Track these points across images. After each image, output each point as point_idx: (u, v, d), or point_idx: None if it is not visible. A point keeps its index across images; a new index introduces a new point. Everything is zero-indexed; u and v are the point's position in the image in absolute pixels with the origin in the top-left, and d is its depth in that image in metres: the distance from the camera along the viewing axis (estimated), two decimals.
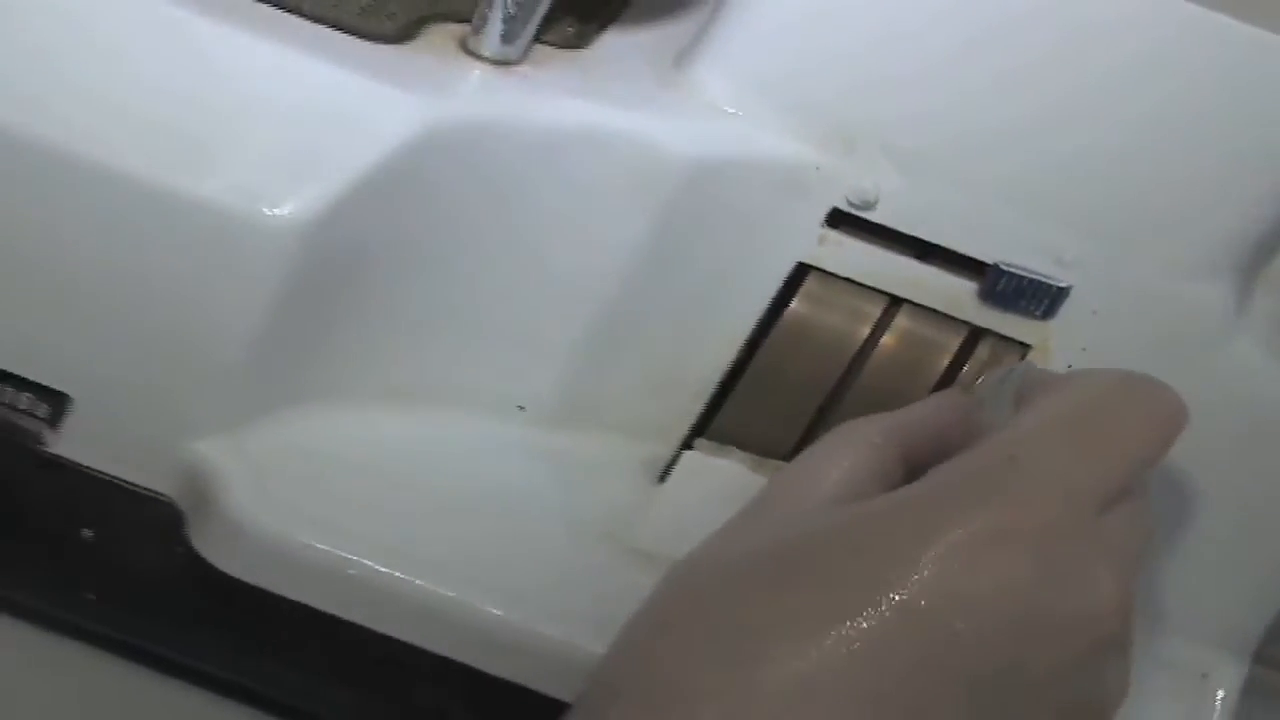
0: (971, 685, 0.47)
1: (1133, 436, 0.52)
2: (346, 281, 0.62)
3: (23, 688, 0.67)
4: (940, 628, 0.46)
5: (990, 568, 0.47)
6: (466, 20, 0.63)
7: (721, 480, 0.65)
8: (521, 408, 0.68)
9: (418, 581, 0.62)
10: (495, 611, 0.62)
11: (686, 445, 0.66)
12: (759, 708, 0.45)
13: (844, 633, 0.46)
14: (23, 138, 0.58)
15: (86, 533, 0.64)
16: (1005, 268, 0.64)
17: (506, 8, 0.63)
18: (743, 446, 0.66)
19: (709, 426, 0.66)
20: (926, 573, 0.47)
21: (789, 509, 0.52)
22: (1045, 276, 0.64)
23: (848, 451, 0.53)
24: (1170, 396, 0.53)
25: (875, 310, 0.65)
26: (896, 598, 0.46)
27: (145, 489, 0.63)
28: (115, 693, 0.69)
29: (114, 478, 0.63)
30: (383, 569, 0.62)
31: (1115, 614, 0.50)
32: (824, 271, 0.65)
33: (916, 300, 0.65)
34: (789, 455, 0.65)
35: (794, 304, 0.65)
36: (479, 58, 0.63)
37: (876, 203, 0.64)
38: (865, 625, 0.46)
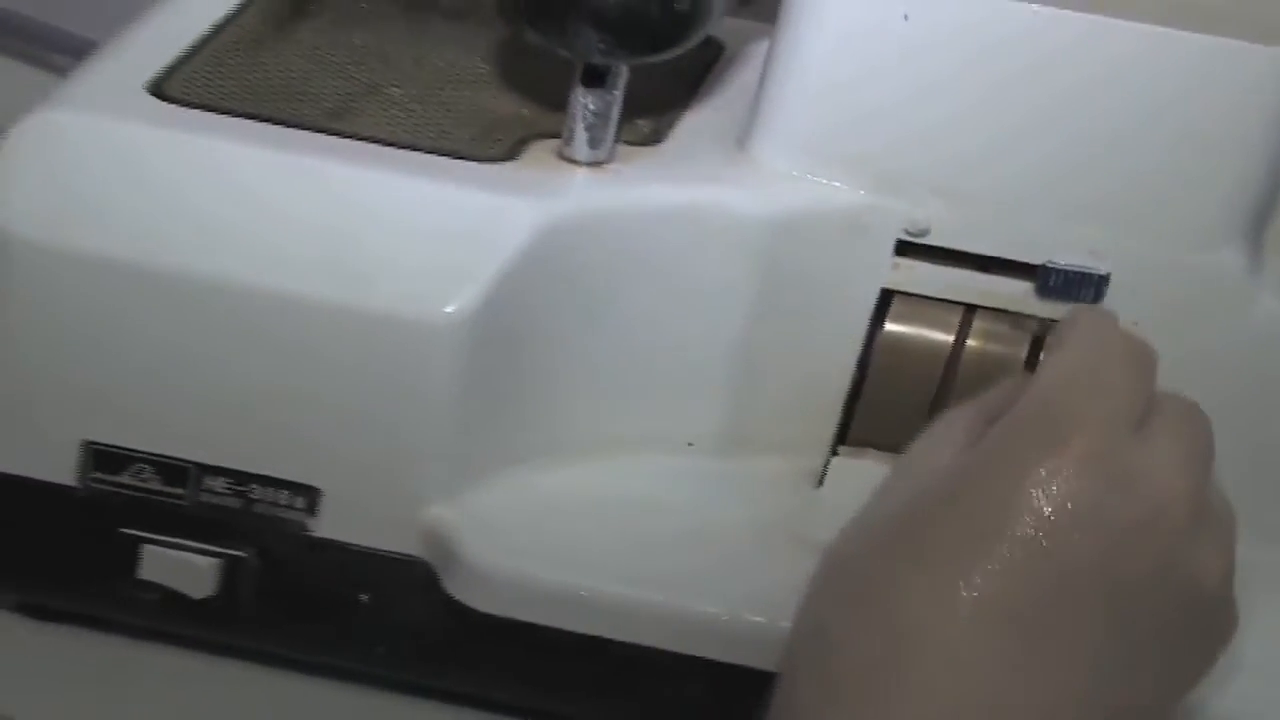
0: (1079, 598, 0.52)
1: (1130, 364, 0.59)
2: (515, 360, 0.71)
3: None
4: (1035, 550, 0.52)
5: (1063, 494, 0.52)
6: (559, 135, 0.72)
7: (866, 476, 0.70)
8: (690, 444, 0.76)
9: (639, 592, 0.70)
10: (707, 608, 0.69)
11: (832, 453, 0.74)
12: (905, 644, 0.52)
13: (961, 567, 0.52)
14: (237, 283, 0.68)
15: (364, 597, 0.72)
16: (1051, 265, 0.71)
17: (586, 118, 0.71)
18: (876, 447, 0.74)
19: (846, 436, 0.74)
20: (1011, 507, 0.52)
21: (907, 483, 0.59)
22: (1086, 268, 0.71)
23: (945, 432, 0.61)
24: (1129, 334, 0.61)
25: (955, 319, 0.73)
26: (995, 531, 0.52)
27: (400, 554, 0.71)
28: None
29: (373, 549, 0.72)
30: (607, 587, 0.70)
31: (1181, 502, 0.54)
32: (905, 293, 0.73)
33: (986, 304, 0.73)
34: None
35: (887, 324, 0.73)
36: (575, 162, 0.72)
37: (929, 230, 0.71)
38: (976, 559, 0.52)
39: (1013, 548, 0.52)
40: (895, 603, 0.53)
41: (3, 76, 1.20)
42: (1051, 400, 0.56)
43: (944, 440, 0.59)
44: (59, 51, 1.21)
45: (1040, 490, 0.53)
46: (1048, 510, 0.52)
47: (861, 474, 0.71)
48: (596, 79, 0.71)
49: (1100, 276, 0.71)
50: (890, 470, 0.60)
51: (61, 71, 1.13)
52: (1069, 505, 0.52)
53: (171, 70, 0.76)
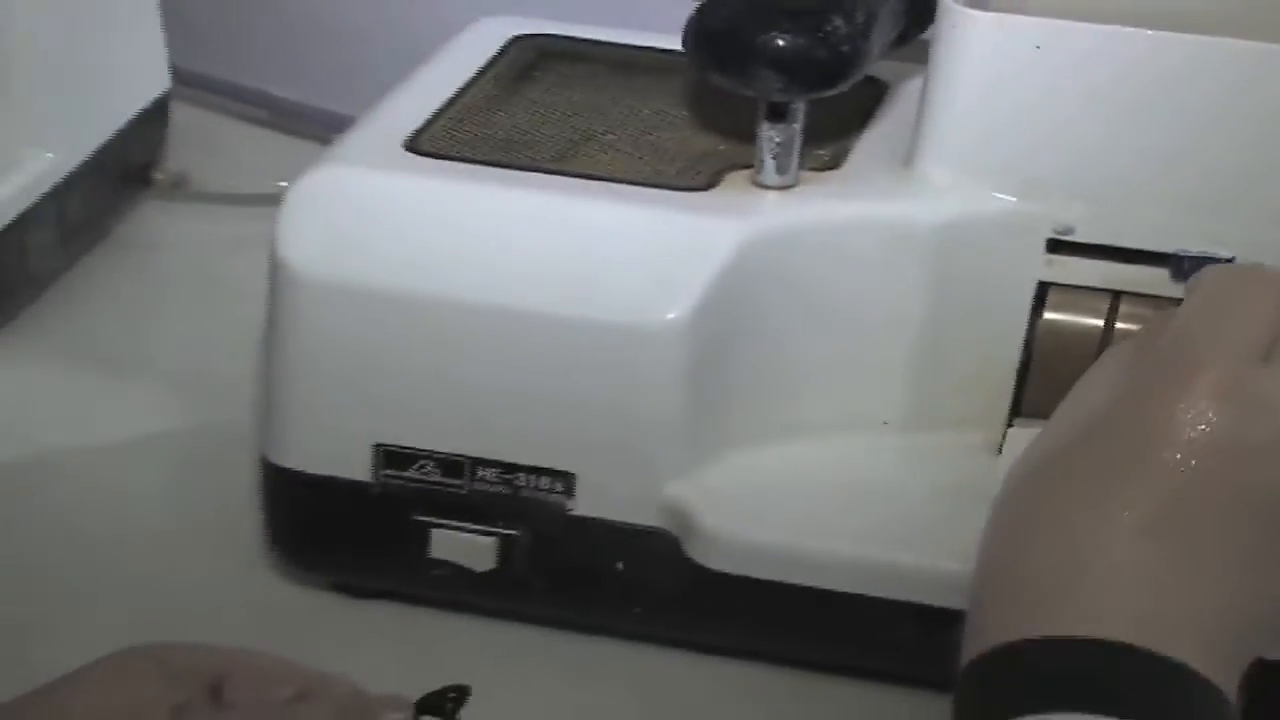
0: (1224, 511, 0.55)
1: (1255, 303, 0.60)
2: (729, 356, 0.78)
3: (587, 685, 0.83)
4: (1183, 472, 0.55)
5: (1199, 421, 0.55)
6: (751, 165, 0.79)
7: None
8: (885, 423, 0.82)
9: (851, 548, 0.77)
10: (911, 559, 0.76)
11: (1008, 425, 0.80)
12: (1076, 560, 0.55)
13: (1121, 490, 0.56)
14: (491, 304, 0.77)
15: (619, 564, 0.80)
16: (1183, 254, 0.76)
17: (772, 149, 0.78)
18: (1046, 418, 0.74)
19: (1019, 410, 0.80)
20: (1157, 435, 0.56)
21: (1070, 418, 0.63)
22: (1212, 253, 0.76)
23: (1103, 370, 0.64)
24: (1266, 271, 0.63)
25: (1104, 304, 0.78)
26: (1147, 457, 0.56)
27: (646, 526, 0.79)
28: (658, 678, 0.84)
29: (623, 523, 0.79)
30: (824, 545, 0.77)
31: None
32: (1059, 284, 0.79)
33: (1130, 290, 0.78)
34: None
35: (1046, 312, 0.79)
36: (766, 187, 0.79)
37: (1074, 229, 0.77)
38: (1132, 483, 0.56)
39: (1163, 471, 0.55)
40: (1064, 524, 0.56)
41: (254, 143, 1.30)
42: (1183, 338, 0.58)
43: (1102, 377, 0.61)
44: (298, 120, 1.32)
45: (1180, 420, 0.56)
46: (1189, 436, 0.55)
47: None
48: (778, 114, 0.78)
49: (1225, 259, 0.76)
50: (1059, 407, 0.62)
51: (299, 135, 1.25)
52: (1206, 430, 0.55)
53: (422, 130, 0.84)
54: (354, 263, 0.79)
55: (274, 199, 1.07)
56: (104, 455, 0.97)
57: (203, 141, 1.23)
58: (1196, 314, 0.60)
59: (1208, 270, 0.64)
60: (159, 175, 1.19)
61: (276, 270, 0.80)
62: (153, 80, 1.17)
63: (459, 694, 0.66)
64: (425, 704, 0.65)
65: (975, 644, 0.56)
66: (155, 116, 1.18)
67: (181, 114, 1.23)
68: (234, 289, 1.09)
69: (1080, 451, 0.59)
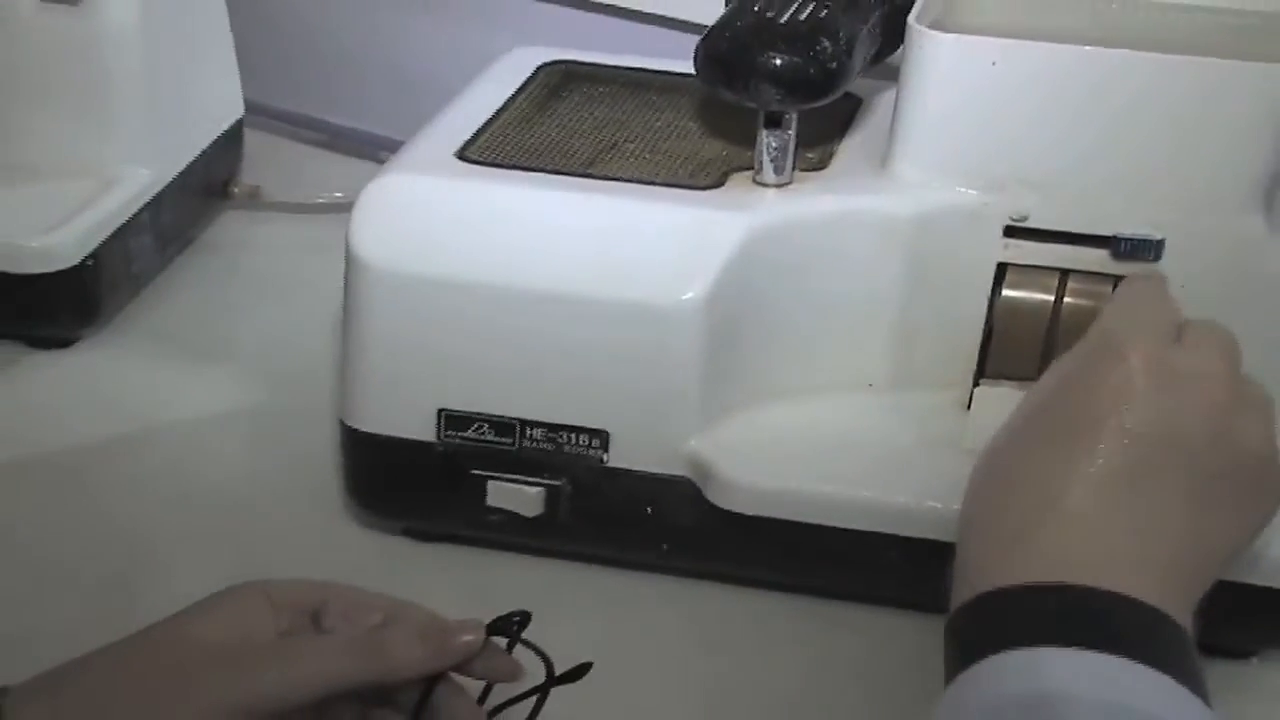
0: (1164, 465, 0.59)
1: (1158, 300, 0.67)
2: (738, 330, 0.80)
3: (622, 612, 0.85)
4: (1127, 432, 0.59)
5: (1133, 391, 0.60)
6: (752, 167, 0.82)
7: (1002, 400, 0.76)
8: (870, 384, 0.85)
9: (844, 489, 0.80)
10: (897, 498, 0.79)
11: (975, 385, 0.82)
12: (1045, 505, 0.59)
13: (1081, 446, 0.60)
14: (533, 288, 0.80)
15: (648, 508, 0.82)
16: (1121, 236, 0.78)
17: (770, 153, 0.81)
18: (1007, 379, 0.81)
19: (984, 372, 0.82)
20: (1102, 402, 0.60)
21: (1033, 397, 0.65)
22: (1146, 235, 0.78)
23: (1056, 364, 0.67)
24: (1146, 277, 0.70)
25: (1054, 281, 0.80)
26: (1100, 419, 0.60)
27: (671, 475, 0.81)
28: (682, 605, 0.86)
29: (651, 473, 0.82)
30: (821, 487, 0.80)
31: (1219, 381, 0.62)
32: (1015, 264, 0.80)
33: (1076, 268, 0.79)
34: (1034, 374, 0.77)
35: (1005, 289, 0.81)
36: (765, 185, 0.81)
37: (1028, 216, 0.79)
38: (1091, 440, 0.60)
39: (1108, 432, 0.60)
40: (1030, 480, 0.60)
41: (312, 161, 1.33)
42: (1111, 330, 0.64)
43: (1057, 366, 0.65)
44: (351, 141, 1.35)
45: (1117, 388, 0.61)
46: (1125, 402, 0.60)
47: (999, 399, 0.79)
48: (775, 123, 0.80)
49: (1158, 241, 0.78)
50: (1027, 392, 0.65)
51: (350, 154, 1.28)
52: (1139, 398, 0.60)
53: (470, 142, 0.87)
54: (417, 255, 0.81)
55: (332, 207, 1.14)
56: (200, 426, 0.99)
57: (271, 160, 1.26)
58: (1115, 310, 0.66)
59: (1125, 281, 0.70)
60: (236, 189, 1.22)
61: (351, 263, 0.82)
62: (229, 108, 1.20)
63: (522, 618, 0.66)
64: (493, 627, 0.66)
65: (962, 587, 0.60)
66: (232, 139, 1.20)
67: (252, 137, 1.26)
68: (302, 283, 1.13)
69: (1041, 420, 0.63)
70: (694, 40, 0.79)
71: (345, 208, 1.08)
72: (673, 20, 1.12)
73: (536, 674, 0.64)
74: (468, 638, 0.65)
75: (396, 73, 1.29)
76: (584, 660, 0.65)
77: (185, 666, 0.64)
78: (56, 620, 0.82)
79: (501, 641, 0.66)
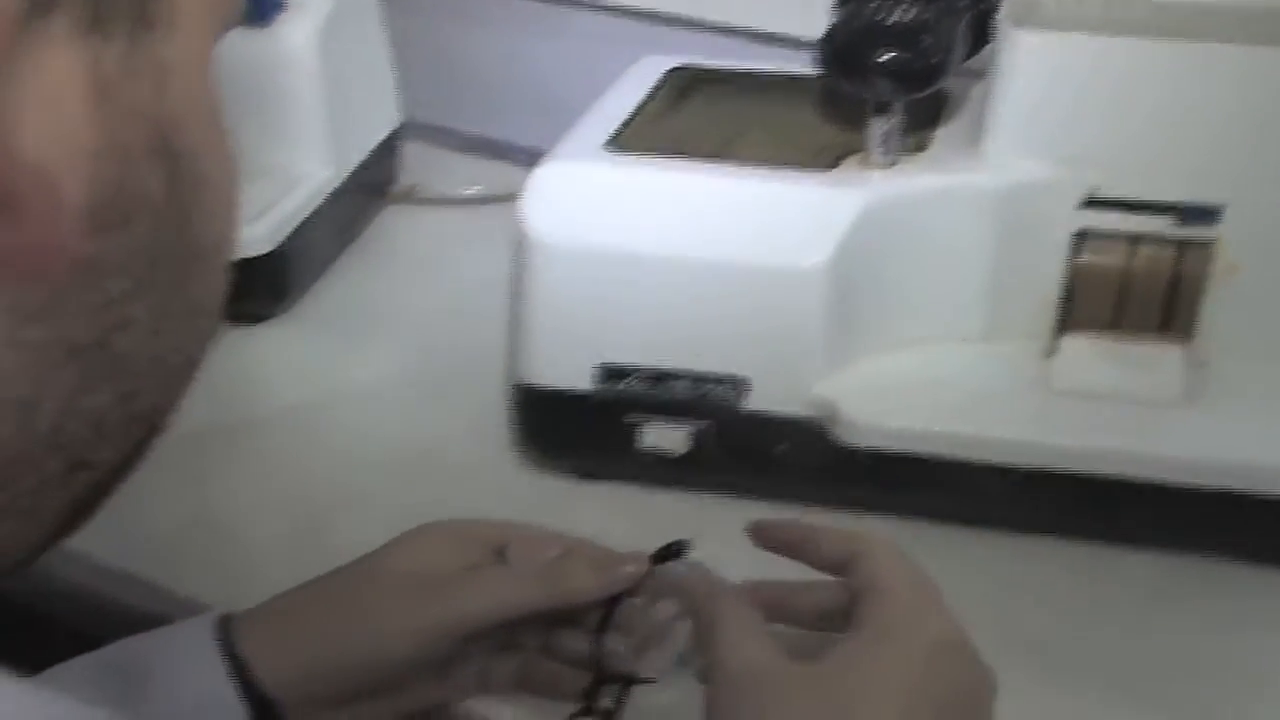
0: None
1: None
2: (856, 291, 0.82)
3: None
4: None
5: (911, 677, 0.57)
6: (863, 150, 0.84)
7: (1080, 349, 0.83)
8: (967, 337, 0.86)
9: (952, 426, 0.82)
10: (997, 433, 0.81)
11: (1055, 337, 0.84)
12: None
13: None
14: (681, 256, 0.83)
15: (781, 447, 0.84)
16: (1185, 204, 0.80)
17: (879, 137, 0.83)
18: (1084, 330, 0.84)
19: (1065, 326, 0.84)
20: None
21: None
22: (1208, 203, 0.80)
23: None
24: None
25: (1124, 245, 0.82)
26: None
27: (801, 416, 0.83)
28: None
29: (783, 415, 0.83)
30: (933, 424, 0.82)
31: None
32: (1091, 232, 0.82)
33: (1146, 233, 0.82)
34: (1108, 326, 0.84)
35: (1081, 254, 0.83)
36: (875, 167, 0.83)
37: (1102, 188, 0.81)
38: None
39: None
40: None
41: (456, 164, 1.35)
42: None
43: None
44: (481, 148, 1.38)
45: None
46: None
47: (1078, 347, 0.84)
48: (883, 111, 0.82)
49: (1218, 208, 0.80)
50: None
51: (490, 156, 1.31)
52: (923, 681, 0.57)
53: (616, 134, 0.89)
54: (578, 230, 0.84)
55: (477, 200, 1.16)
56: (380, 390, 1.02)
57: (422, 164, 1.28)
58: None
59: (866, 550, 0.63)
60: (396, 187, 1.25)
61: (522, 239, 0.85)
62: (389, 118, 1.23)
63: (681, 545, 0.68)
64: (659, 554, 0.68)
65: None
66: (391, 144, 1.24)
67: (406, 145, 1.28)
68: (456, 267, 1.16)
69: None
70: (792, 54, 0.82)
71: (489, 201, 1.15)
72: (776, 36, 1.15)
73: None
74: (633, 567, 0.68)
75: (530, 87, 1.31)
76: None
77: (387, 594, 0.67)
78: (266, 557, 0.86)
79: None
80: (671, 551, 0.67)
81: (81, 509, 0.43)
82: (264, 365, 1.05)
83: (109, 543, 0.83)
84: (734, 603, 0.61)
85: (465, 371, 1.01)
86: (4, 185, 0.33)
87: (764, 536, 0.66)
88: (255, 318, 1.08)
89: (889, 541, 0.62)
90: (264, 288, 1.06)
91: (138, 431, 0.43)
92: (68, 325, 0.37)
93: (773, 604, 0.63)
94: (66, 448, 0.39)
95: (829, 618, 0.62)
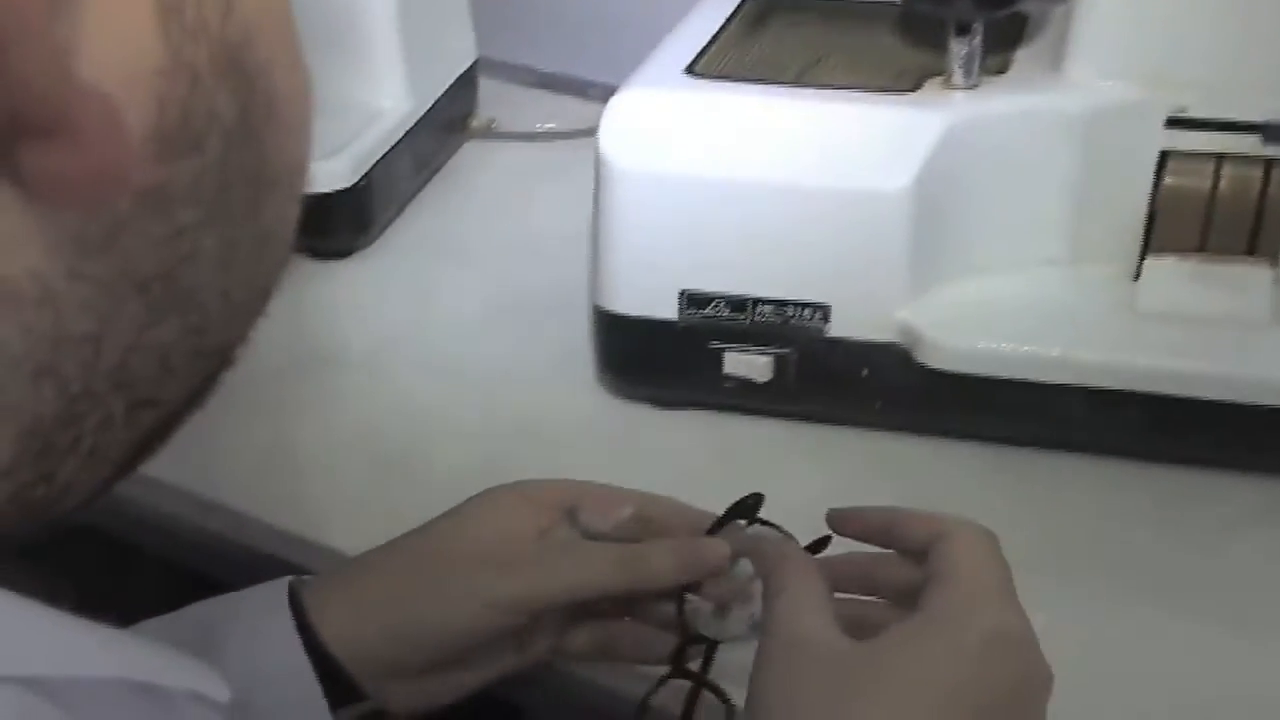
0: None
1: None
2: (941, 212, 0.81)
3: (840, 463, 0.86)
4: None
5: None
6: (944, 73, 0.83)
7: (1166, 271, 0.82)
8: (1051, 260, 0.86)
9: (1034, 347, 0.81)
10: (1082, 354, 0.80)
11: (1141, 259, 0.84)
12: None
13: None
14: (763, 180, 0.82)
15: (864, 371, 0.84)
16: (1271, 122, 0.79)
17: (960, 59, 0.82)
18: (1170, 252, 0.84)
19: (1149, 248, 0.84)
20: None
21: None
22: None
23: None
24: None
25: (1210, 165, 0.81)
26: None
27: (884, 341, 0.83)
28: (893, 455, 0.86)
29: (866, 340, 0.83)
30: (1017, 346, 0.81)
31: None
32: (1176, 152, 0.81)
33: (1233, 153, 0.80)
34: (1194, 248, 0.83)
35: (1166, 175, 0.82)
36: (956, 89, 0.83)
37: (1187, 109, 0.80)
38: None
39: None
40: None
41: (532, 99, 1.35)
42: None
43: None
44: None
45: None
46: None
47: (1163, 270, 0.83)
48: (965, 31, 0.81)
49: None
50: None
51: (562, 92, 1.30)
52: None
53: (695, 60, 0.89)
54: (658, 156, 0.83)
55: (555, 136, 1.16)
56: (463, 320, 1.02)
57: (500, 99, 1.28)
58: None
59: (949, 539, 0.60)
60: (474, 122, 1.25)
61: (601, 166, 0.84)
62: (465, 54, 1.23)
63: (755, 500, 0.67)
64: (731, 512, 0.67)
65: None
66: (469, 79, 1.23)
67: (483, 82, 1.28)
68: (535, 200, 1.16)
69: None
70: None
71: (567, 136, 1.13)
72: None
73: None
74: (714, 556, 0.65)
75: (606, 22, 1.30)
76: (819, 530, 0.65)
77: (460, 566, 0.66)
78: (352, 487, 0.86)
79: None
80: (746, 505, 0.66)
81: (146, 445, 0.42)
82: (347, 299, 1.04)
83: (197, 473, 0.84)
84: (800, 571, 0.59)
85: (547, 304, 1.01)
86: (60, 108, 0.31)
87: (845, 524, 0.64)
88: (338, 253, 1.08)
89: (974, 525, 0.59)
90: (345, 222, 1.06)
91: (205, 366, 0.41)
92: (133, 257, 0.36)
93: (858, 575, 0.62)
94: (131, 385, 0.38)
95: (911, 594, 0.59)
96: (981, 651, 0.54)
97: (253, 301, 0.42)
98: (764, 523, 0.65)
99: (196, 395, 0.42)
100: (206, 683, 0.40)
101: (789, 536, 0.64)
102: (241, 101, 0.37)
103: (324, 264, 1.07)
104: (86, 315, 0.35)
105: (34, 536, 0.40)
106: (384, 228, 1.12)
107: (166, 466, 0.79)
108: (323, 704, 0.63)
